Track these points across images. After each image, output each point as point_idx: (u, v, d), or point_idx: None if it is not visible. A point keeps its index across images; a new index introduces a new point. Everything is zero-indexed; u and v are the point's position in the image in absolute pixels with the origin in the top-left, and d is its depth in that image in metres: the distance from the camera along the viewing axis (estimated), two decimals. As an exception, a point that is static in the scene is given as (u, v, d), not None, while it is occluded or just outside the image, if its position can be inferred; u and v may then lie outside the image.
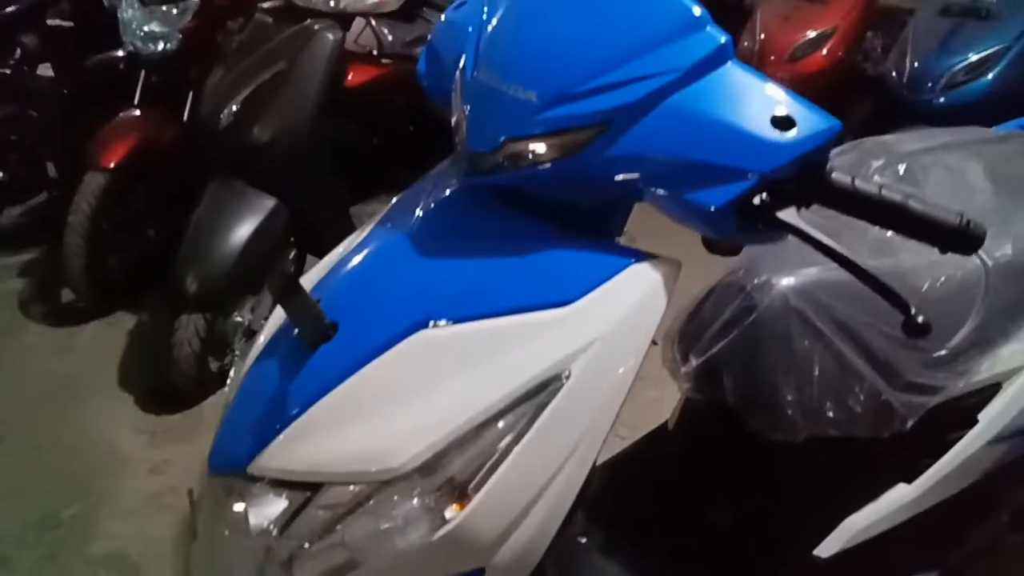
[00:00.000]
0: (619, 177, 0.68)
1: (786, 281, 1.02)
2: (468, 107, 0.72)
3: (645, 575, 1.17)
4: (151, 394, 2.15)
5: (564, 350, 0.64)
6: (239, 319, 2.09)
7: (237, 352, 2.10)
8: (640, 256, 0.69)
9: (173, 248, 1.98)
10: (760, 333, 1.01)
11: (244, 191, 1.97)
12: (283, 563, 0.65)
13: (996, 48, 2.56)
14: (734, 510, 1.14)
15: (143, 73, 2.44)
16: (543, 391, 0.63)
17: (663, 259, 0.69)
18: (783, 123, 0.64)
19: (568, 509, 0.66)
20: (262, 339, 0.76)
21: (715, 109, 0.64)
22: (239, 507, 0.67)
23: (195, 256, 1.91)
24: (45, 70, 2.97)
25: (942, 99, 2.61)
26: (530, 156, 0.67)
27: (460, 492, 0.62)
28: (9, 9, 2.74)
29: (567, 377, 0.63)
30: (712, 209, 0.65)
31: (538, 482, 0.63)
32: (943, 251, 0.70)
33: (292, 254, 2.18)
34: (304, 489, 0.65)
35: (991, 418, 1.08)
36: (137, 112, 2.42)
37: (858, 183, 0.68)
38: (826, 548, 1.07)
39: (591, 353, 0.64)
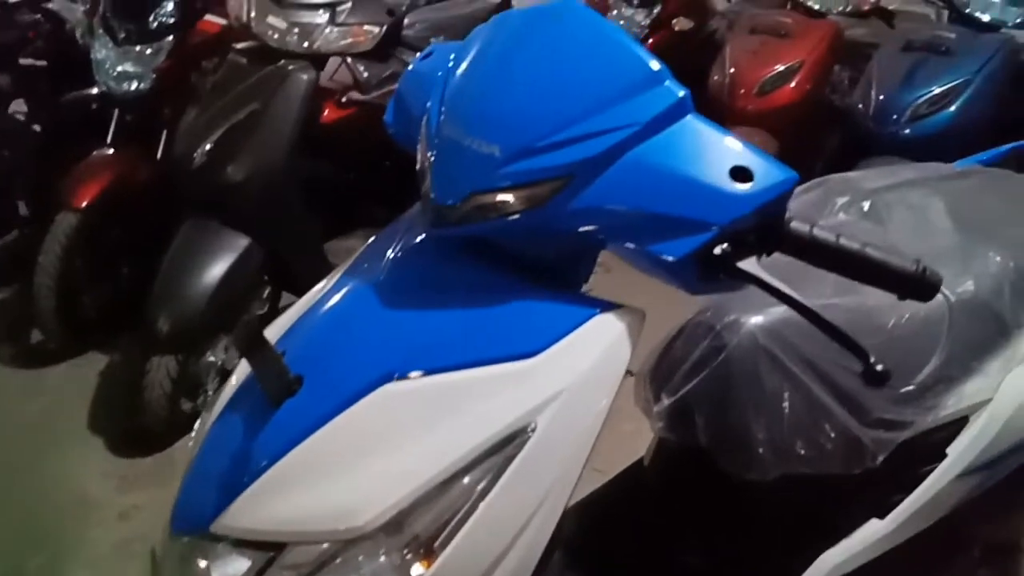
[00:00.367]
0: (583, 228, 0.69)
1: (754, 320, 1.03)
2: (433, 159, 0.72)
3: (621, 616, 1.16)
4: (122, 437, 2.11)
5: (530, 402, 0.64)
6: (212, 359, 2.06)
7: (210, 392, 2.08)
8: (605, 306, 0.69)
9: (147, 288, 1.97)
10: (730, 372, 1.02)
11: (218, 230, 1.96)
12: (246, 625, 0.63)
13: (958, 81, 2.63)
14: (707, 550, 1.14)
15: (116, 112, 2.43)
16: (509, 444, 0.63)
17: (627, 308, 0.70)
18: (742, 175, 0.65)
19: (538, 560, 0.66)
20: (226, 392, 0.75)
21: (675, 162, 0.66)
22: (202, 567, 0.65)
23: (167, 296, 1.89)
24: (19, 105, 2.96)
25: (907, 130, 2.66)
26: (495, 209, 0.68)
27: (427, 550, 0.61)
28: (-20, 50, 2.74)
29: (533, 430, 0.63)
30: (673, 260, 0.66)
31: (506, 536, 0.63)
32: (901, 298, 0.71)
33: (267, 292, 2.17)
34: (268, 549, 0.64)
35: (959, 452, 1.09)
36: (110, 151, 2.40)
37: (816, 232, 0.69)
38: (801, 586, 1.08)
39: (557, 405, 0.64)
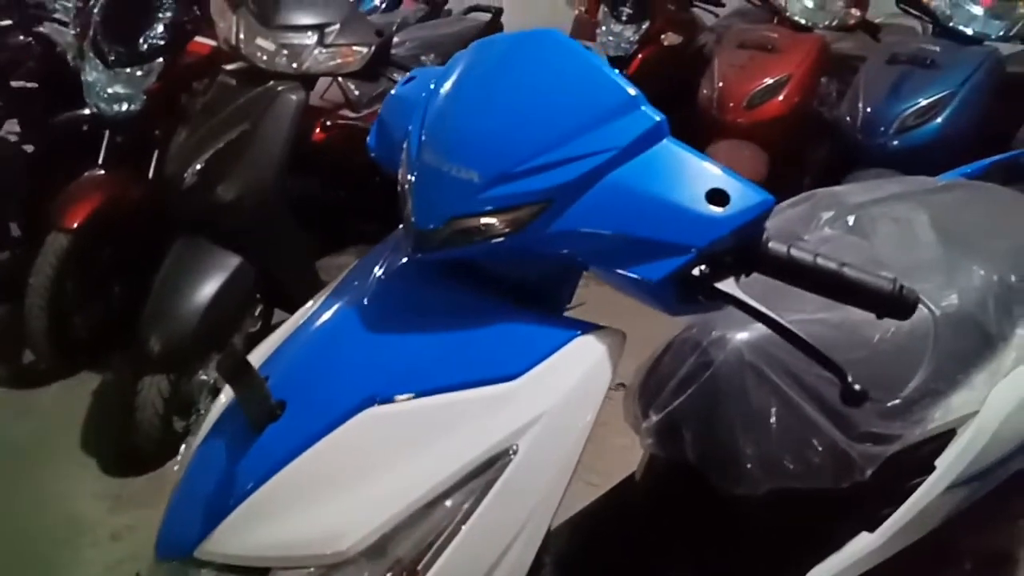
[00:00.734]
0: (563, 252, 0.70)
1: (741, 336, 1.03)
2: (414, 184, 0.73)
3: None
4: (114, 457, 2.10)
5: (512, 425, 0.64)
6: (204, 378, 2.06)
7: (203, 411, 2.07)
8: (585, 328, 0.70)
9: (139, 308, 1.96)
10: (717, 388, 1.03)
11: (209, 250, 1.96)
12: (231, 651, 0.63)
13: (943, 93, 2.66)
14: (697, 565, 1.14)
15: (107, 133, 2.44)
16: (492, 467, 0.63)
17: (608, 330, 0.70)
18: (718, 198, 0.66)
19: None
20: (211, 417, 0.76)
21: (652, 185, 0.66)
22: (187, 593, 0.65)
23: (159, 316, 1.89)
24: (11, 126, 2.96)
25: (895, 142, 2.68)
26: (475, 233, 0.69)
27: (410, 573, 0.61)
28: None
29: (515, 452, 0.64)
30: (652, 282, 0.66)
31: (490, 557, 0.63)
32: (879, 316, 0.72)
33: (259, 310, 2.17)
34: (252, 574, 0.64)
35: (948, 464, 1.09)
36: (101, 172, 2.41)
37: (793, 252, 0.70)
38: (793, 601, 1.07)
39: (539, 427, 0.65)
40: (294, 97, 1.99)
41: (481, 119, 0.71)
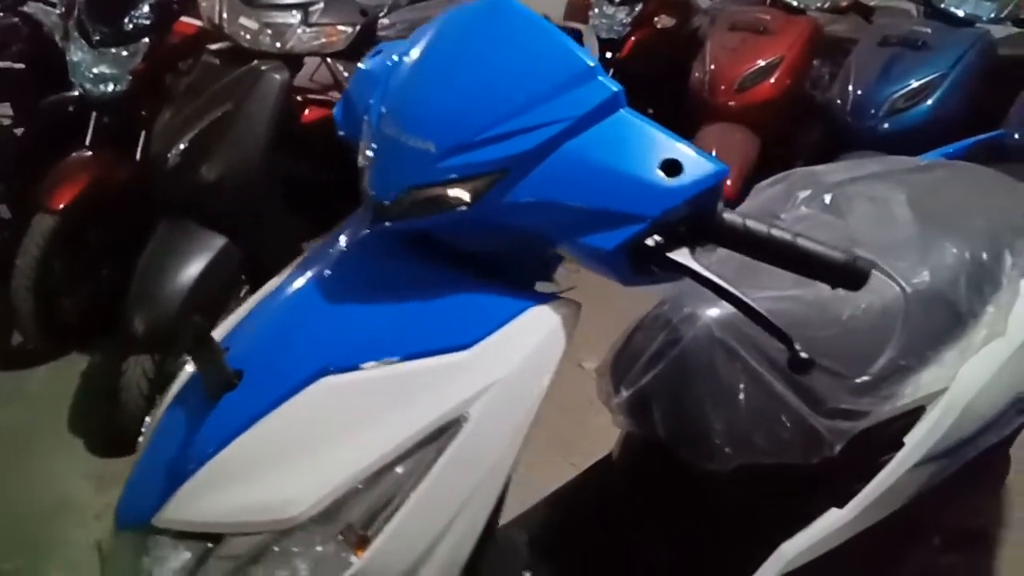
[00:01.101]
0: (521, 223, 0.70)
1: (710, 312, 1.04)
2: (373, 156, 0.73)
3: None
4: (100, 438, 2.11)
5: (463, 394, 0.65)
6: (190, 359, 2.06)
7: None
8: (540, 298, 0.70)
9: (127, 289, 1.97)
10: (686, 365, 1.03)
11: (194, 231, 1.96)
12: (187, 617, 0.64)
13: (934, 76, 2.65)
14: (670, 542, 1.15)
15: (94, 114, 2.43)
16: (443, 435, 0.64)
17: (563, 301, 0.71)
18: (671, 168, 0.66)
19: (473, 548, 0.66)
20: (174, 390, 0.76)
21: (606, 156, 0.66)
22: (144, 561, 0.66)
23: (143, 296, 1.90)
24: (2, 108, 2.95)
25: (885, 125, 2.68)
26: (432, 204, 0.69)
27: (360, 538, 0.62)
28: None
29: (466, 420, 0.64)
30: (606, 252, 0.67)
31: (438, 525, 0.64)
32: (833, 287, 0.72)
33: (244, 291, 2.17)
34: (206, 541, 0.64)
35: (917, 441, 1.10)
36: (88, 153, 2.40)
37: (749, 223, 0.70)
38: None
39: (490, 396, 0.65)
40: (278, 77, 1.98)
41: (439, 90, 0.71)
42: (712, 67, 3.11)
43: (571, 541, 1.25)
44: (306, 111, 2.49)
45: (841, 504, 1.09)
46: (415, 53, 0.76)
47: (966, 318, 1.12)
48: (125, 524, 0.70)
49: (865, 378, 1.05)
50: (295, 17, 2.01)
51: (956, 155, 1.59)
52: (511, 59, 0.70)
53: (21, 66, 2.90)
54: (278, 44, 1.99)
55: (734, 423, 1.02)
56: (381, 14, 2.58)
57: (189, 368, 0.78)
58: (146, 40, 2.31)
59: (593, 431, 1.37)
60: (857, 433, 1.05)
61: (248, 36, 1.98)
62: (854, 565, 1.13)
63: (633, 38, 3.74)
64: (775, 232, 0.70)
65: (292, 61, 2.06)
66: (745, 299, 0.68)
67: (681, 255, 0.67)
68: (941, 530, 1.21)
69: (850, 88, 2.77)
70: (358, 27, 2.07)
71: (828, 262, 0.70)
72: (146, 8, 2.29)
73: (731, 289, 0.68)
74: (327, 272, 0.76)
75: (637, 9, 3.64)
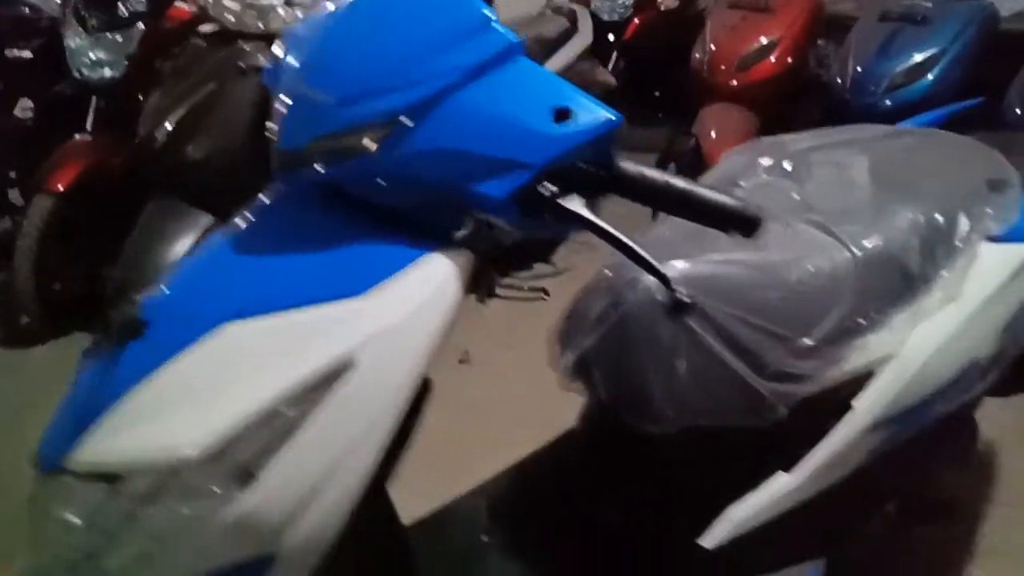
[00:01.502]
0: (424, 174, 0.71)
1: (652, 277, 1.04)
2: (281, 109, 0.75)
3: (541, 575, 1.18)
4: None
5: (353, 339, 0.66)
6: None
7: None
8: (434, 247, 0.71)
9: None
10: (627, 328, 1.03)
11: (181, 209, 2.00)
12: (91, 555, 0.67)
13: (934, 51, 2.60)
14: (622, 509, 1.16)
15: (93, 99, 2.48)
16: (332, 380, 0.65)
17: (459, 250, 0.71)
18: (562, 116, 0.66)
19: (360, 496, 0.68)
20: (93, 341, 0.79)
21: (498, 104, 0.67)
22: (55, 502, 0.69)
23: (129, 274, 1.94)
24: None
25: (886, 101, 2.64)
26: (331, 154, 0.70)
27: (244, 474, 0.64)
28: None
29: (354, 366, 0.66)
30: (500, 200, 0.67)
31: (322, 465, 0.65)
32: (726, 232, 0.72)
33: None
34: (110, 481, 0.67)
35: (865, 405, 1.09)
36: (88, 137, 2.46)
37: (645, 172, 0.71)
38: (710, 539, 1.08)
39: (379, 342, 0.66)
40: (261, 57, 2.01)
41: (340, 42, 0.73)
42: (712, 47, 3.09)
43: (530, 508, 1.26)
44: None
45: (788, 468, 1.09)
46: (330, 9, 0.77)
47: (917, 282, 1.10)
48: (43, 468, 0.72)
49: (809, 341, 1.04)
50: (278, -4, 2.04)
51: (933, 123, 1.56)
52: (411, 12, 0.71)
53: (28, 55, 2.97)
54: (260, 24, 2.02)
55: (674, 386, 1.02)
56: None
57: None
58: (141, 26, 2.36)
59: (563, 403, 1.38)
60: (805, 397, 1.04)
61: (232, 17, 2.02)
62: (808, 528, 1.13)
63: (636, 20, 3.72)
64: (671, 181, 0.70)
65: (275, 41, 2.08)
66: (629, 243, 0.68)
67: (572, 203, 0.68)
68: (897, 497, 1.20)
69: (850, 65, 2.74)
70: (342, 6, 2.08)
71: (721, 209, 0.70)
72: (140, -7, 2.34)
73: (617, 234, 0.68)
74: (243, 226, 0.78)
75: (639, -10, 3.63)
